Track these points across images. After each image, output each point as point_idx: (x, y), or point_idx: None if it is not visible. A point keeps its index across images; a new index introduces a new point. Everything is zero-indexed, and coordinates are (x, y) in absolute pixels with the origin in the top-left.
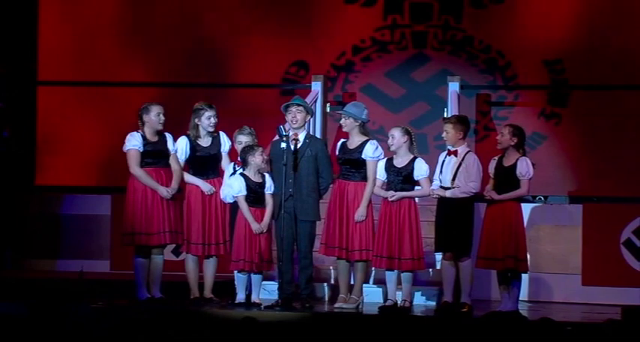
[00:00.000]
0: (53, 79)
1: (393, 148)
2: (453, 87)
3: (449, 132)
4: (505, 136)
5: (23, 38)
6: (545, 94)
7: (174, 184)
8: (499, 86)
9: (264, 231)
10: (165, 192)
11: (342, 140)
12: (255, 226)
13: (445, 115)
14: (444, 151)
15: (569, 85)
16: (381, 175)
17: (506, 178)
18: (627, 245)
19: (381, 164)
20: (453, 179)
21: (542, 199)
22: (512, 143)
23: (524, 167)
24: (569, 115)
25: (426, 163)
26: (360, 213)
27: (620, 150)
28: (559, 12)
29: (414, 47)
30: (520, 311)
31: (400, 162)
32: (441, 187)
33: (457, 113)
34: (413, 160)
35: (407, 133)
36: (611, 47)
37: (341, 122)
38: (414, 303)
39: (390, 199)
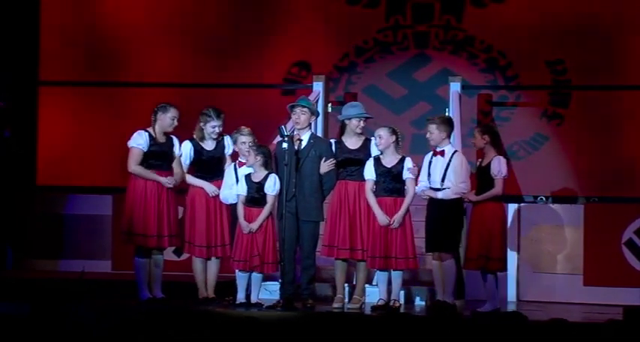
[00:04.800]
0: (54, 79)
1: (381, 148)
2: (455, 87)
3: (433, 132)
4: (477, 137)
5: (25, 38)
6: (547, 95)
7: (176, 177)
8: (500, 86)
9: (254, 230)
10: (165, 181)
11: (335, 140)
12: (243, 225)
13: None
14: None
15: (571, 85)
16: (371, 174)
17: (483, 178)
18: (629, 245)
19: (370, 164)
20: (443, 180)
21: (544, 199)
22: (485, 142)
23: (497, 166)
24: (571, 116)
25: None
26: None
27: (622, 150)
28: (560, 12)
29: (415, 47)
30: (520, 311)
31: (389, 162)
32: (431, 188)
33: (459, 113)
34: (402, 160)
35: (394, 132)
36: (612, 47)
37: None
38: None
39: (392, 227)
